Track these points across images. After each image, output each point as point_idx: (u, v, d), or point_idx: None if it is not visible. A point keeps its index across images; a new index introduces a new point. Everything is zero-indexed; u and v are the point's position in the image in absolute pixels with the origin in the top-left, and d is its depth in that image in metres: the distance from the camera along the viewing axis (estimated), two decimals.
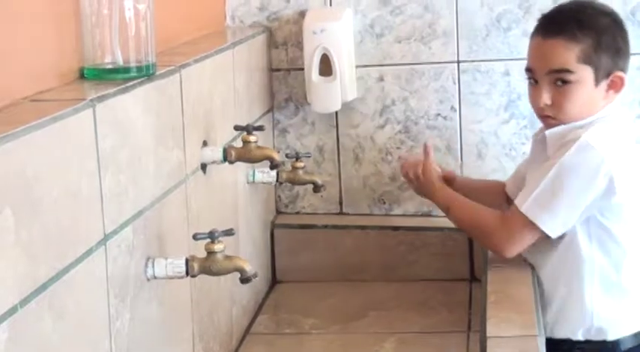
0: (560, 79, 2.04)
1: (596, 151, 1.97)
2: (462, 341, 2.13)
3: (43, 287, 1.20)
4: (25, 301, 1.15)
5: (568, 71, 2.04)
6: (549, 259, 2.07)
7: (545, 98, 2.06)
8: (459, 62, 2.52)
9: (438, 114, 2.55)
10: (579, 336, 2.05)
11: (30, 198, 1.18)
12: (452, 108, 2.55)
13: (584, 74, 2.03)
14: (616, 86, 2.06)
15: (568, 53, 2.03)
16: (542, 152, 2.08)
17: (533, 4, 2.48)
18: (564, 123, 2.06)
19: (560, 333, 2.06)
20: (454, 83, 2.54)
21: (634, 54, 2.48)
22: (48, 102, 1.38)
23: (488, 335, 1.77)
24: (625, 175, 2.00)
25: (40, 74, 1.46)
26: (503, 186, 2.32)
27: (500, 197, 2.29)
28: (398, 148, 2.57)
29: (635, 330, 2.08)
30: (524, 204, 2.00)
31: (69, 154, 1.30)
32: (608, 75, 2.04)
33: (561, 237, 2.04)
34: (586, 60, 2.03)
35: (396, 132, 2.57)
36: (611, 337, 2.05)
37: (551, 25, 2.08)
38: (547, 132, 2.07)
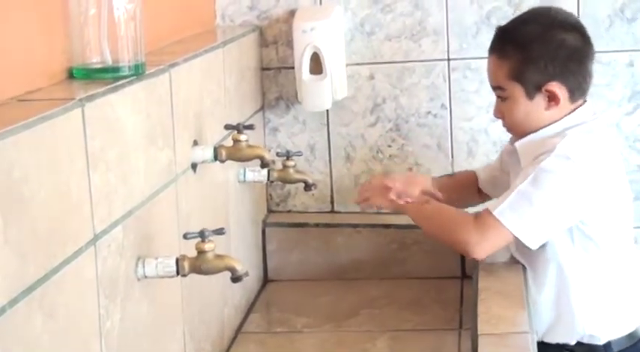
0: (499, 95, 2.08)
1: (572, 162, 1.96)
2: (454, 338, 2.13)
3: (33, 287, 1.20)
4: (13, 301, 1.15)
5: (501, 88, 2.06)
6: (533, 266, 2.06)
7: (495, 111, 2.11)
8: (449, 60, 2.52)
9: (429, 112, 2.56)
10: (571, 343, 2.06)
11: (18, 198, 1.18)
12: (442, 105, 2.55)
13: (514, 90, 2.03)
14: (554, 99, 2.02)
15: (499, 70, 2.05)
16: (517, 164, 2.08)
17: (522, 1, 2.49)
18: (521, 135, 2.07)
19: (552, 340, 2.06)
20: (444, 81, 2.54)
21: (623, 51, 2.50)
22: (36, 102, 1.38)
23: (479, 332, 1.77)
24: (603, 183, 2.00)
25: (29, 74, 1.46)
26: (473, 177, 2.33)
27: (473, 188, 2.31)
28: (389, 146, 2.57)
29: (628, 331, 2.08)
30: (498, 208, 1.97)
31: (58, 154, 1.29)
32: (538, 88, 2.02)
33: (543, 245, 2.02)
34: (514, 76, 2.03)
35: (387, 130, 2.57)
36: (603, 340, 2.05)
37: (493, 41, 2.10)
38: (517, 144, 2.08)
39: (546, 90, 2.02)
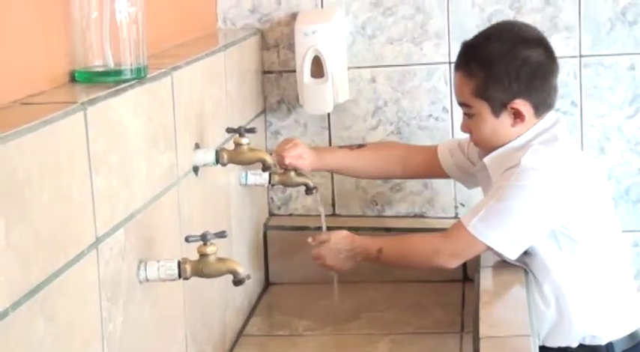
0: (465, 112, 2.10)
1: (539, 172, 1.98)
2: (456, 341, 2.13)
3: (35, 290, 1.20)
4: (16, 305, 1.15)
5: (467, 105, 2.09)
6: (528, 273, 2.09)
7: (462, 126, 2.14)
8: (450, 63, 2.52)
9: (430, 115, 2.56)
10: (573, 345, 2.08)
11: (21, 201, 1.18)
12: (444, 109, 2.55)
13: (481, 108, 2.06)
14: (519, 116, 2.05)
15: (465, 88, 2.08)
16: (487, 179, 2.11)
17: (524, 4, 2.49)
18: (489, 150, 2.09)
19: (554, 344, 2.08)
20: (446, 84, 2.54)
21: (624, 54, 2.50)
22: (39, 106, 1.38)
23: (481, 335, 1.77)
24: (575, 188, 2.02)
25: (31, 77, 1.46)
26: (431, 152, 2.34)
27: (431, 158, 2.32)
28: None
29: (629, 331, 2.10)
30: (470, 222, 2.02)
31: (60, 157, 1.29)
32: (504, 106, 2.04)
33: (530, 254, 2.05)
34: (479, 94, 2.05)
35: (388, 133, 2.57)
36: (605, 341, 2.07)
37: (458, 58, 2.12)
38: (485, 159, 2.11)
39: (511, 108, 2.04)
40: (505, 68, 2.03)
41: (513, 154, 2.03)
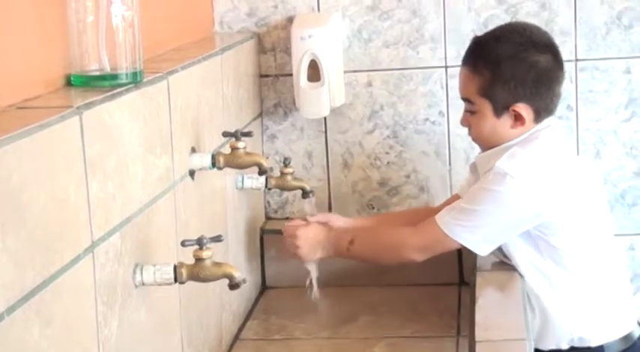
0: (467, 109, 2.11)
1: (510, 178, 1.98)
2: (452, 345, 2.13)
3: (30, 294, 1.20)
4: (11, 309, 1.15)
5: (470, 101, 2.10)
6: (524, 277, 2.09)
7: (462, 120, 2.15)
8: (446, 67, 2.53)
9: (427, 119, 2.56)
10: (563, 346, 2.08)
11: (16, 205, 1.18)
12: (440, 112, 2.55)
13: (484, 106, 2.07)
14: (520, 119, 2.06)
15: (470, 84, 2.09)
16: (478, 178, 2.13)
17: (520, 9, 2.49)
18: (486, 147, 2.11)
19: (545, 347, 2.09)
20: (442, 88, 2.54)
21: (619, 58, 2.51)
22: (34, 110, 1.38)
23: (477, 339, 1.77)
24: (552, 195, 2.02)
25: (27, 81, 1.46)
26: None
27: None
28: (387, 153, 2.58)
29: (622, 334, 2.10)
30: (442, 219, 2.05)
31: (56, 162, 1.30)
32: (506, 108, 2.05)
33: (513, 259, 2.07)
34: (484, 93, 2.06)
35: (384, 137, 2.58)
36: (594, 343, 2.07)
37: (467, 53, 2.13)
38: (476, 159, 2.14)
39: (513, 110, 2.05)
40: (512, 71, 2.04)
41: (498, 155, 2.04)
